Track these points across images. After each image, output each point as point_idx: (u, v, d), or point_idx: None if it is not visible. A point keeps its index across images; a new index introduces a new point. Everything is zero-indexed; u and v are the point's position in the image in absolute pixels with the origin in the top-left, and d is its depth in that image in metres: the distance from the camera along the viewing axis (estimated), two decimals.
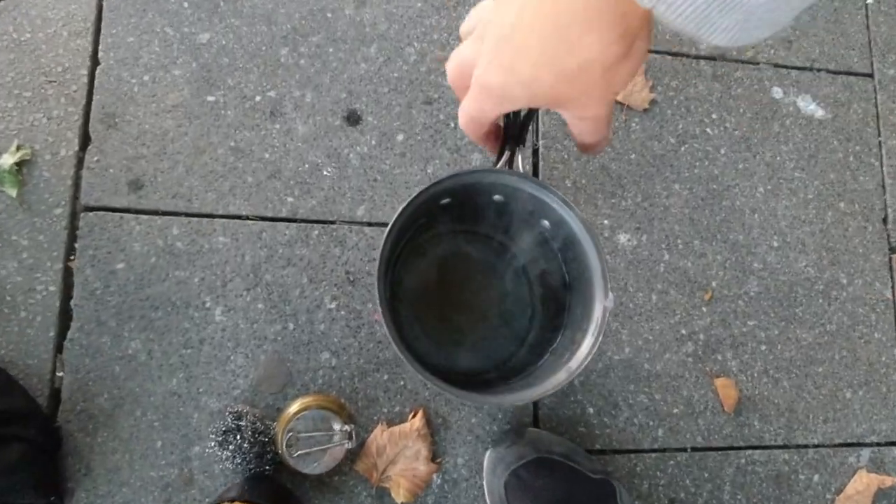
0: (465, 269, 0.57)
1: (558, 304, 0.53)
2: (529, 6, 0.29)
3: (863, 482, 0.73)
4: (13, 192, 0.63)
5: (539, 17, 0.28)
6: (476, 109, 0.36)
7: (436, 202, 0.48)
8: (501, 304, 0.56)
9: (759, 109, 0.81)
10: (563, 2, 0.27)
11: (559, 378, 0.45)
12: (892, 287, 0.79)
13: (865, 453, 0.75)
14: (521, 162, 0.42)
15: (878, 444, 0.75)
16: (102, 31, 0.69)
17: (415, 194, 0.44)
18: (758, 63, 0.82)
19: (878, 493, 0.73)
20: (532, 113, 0.44)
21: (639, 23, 0.27)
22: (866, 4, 0.87)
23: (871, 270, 0.79)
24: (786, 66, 0.83)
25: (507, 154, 0.43)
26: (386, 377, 0.66)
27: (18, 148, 0.64)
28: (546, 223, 0.50)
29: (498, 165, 0.43)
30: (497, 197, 0.48)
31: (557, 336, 0.52)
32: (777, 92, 0.82)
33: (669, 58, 0.80)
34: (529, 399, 0.45)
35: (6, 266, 0.63)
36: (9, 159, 0.63)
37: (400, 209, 0.44)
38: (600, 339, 0.45)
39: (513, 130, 0.43)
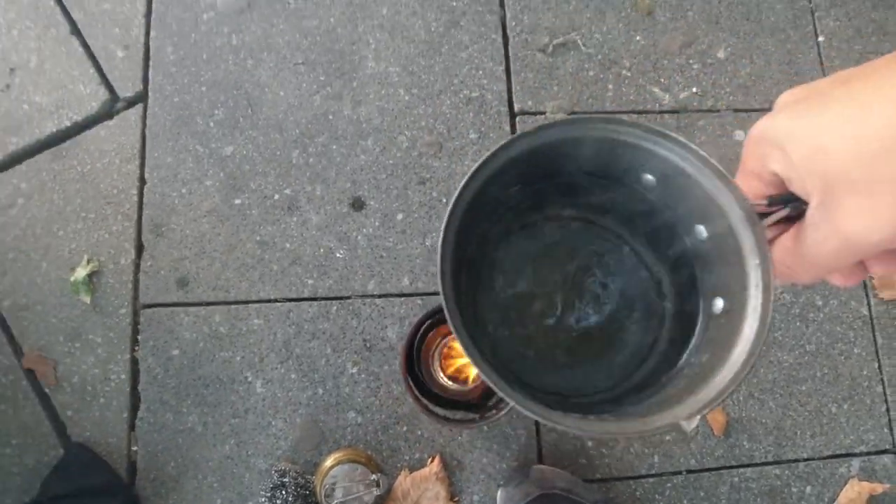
0: (580, 267, 0.43)
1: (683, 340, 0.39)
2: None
3: (855, 490, 0.79)
4: (87, 299, 0.77)
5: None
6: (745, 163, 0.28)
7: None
8: (619, 325, 0.42)
9: (724, 153, 0.89)
10: None
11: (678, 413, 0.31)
12: (868, 303, 0.85)
13: (856, 463, 0.80)
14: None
15: (868, 454, 0.81)
16: (147, 155, 0.83)
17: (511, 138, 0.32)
18: (718, 110, 0.90)
19: (870, 500, 0.79)
20: None
21: None
22: (818, 42, 0.94)
23: (845, 290, 0.85)
24: (745, 110, 0.91)
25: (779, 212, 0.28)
26: (405, 429, 0.76)
27: (88, 261, 0.78)
28: (703, 230, 0.35)
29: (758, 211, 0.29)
30: (648, 176, 0.36)
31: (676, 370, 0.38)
32: (740, 135, 0.90)
33: (635, 115, 0.89)
34: (636, 432, 0.31)
35: (86, 361, 0.76)
36: (82, 272, 0.77)
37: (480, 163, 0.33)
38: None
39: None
